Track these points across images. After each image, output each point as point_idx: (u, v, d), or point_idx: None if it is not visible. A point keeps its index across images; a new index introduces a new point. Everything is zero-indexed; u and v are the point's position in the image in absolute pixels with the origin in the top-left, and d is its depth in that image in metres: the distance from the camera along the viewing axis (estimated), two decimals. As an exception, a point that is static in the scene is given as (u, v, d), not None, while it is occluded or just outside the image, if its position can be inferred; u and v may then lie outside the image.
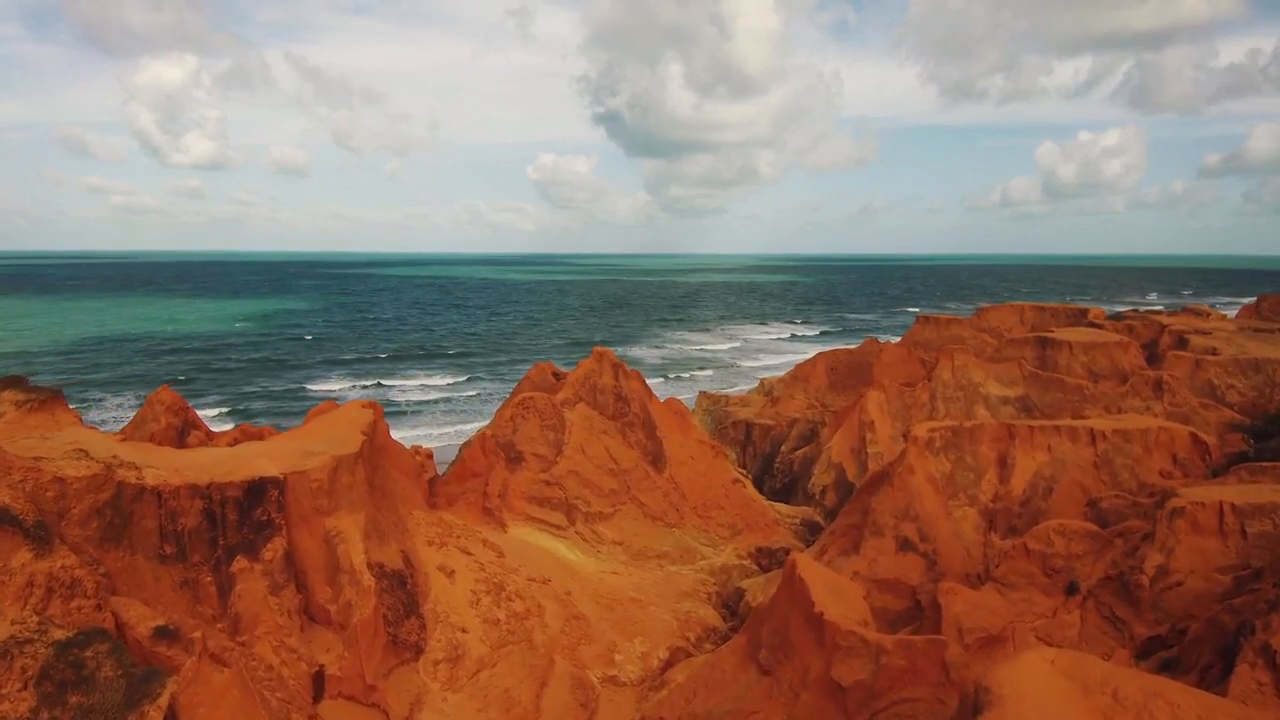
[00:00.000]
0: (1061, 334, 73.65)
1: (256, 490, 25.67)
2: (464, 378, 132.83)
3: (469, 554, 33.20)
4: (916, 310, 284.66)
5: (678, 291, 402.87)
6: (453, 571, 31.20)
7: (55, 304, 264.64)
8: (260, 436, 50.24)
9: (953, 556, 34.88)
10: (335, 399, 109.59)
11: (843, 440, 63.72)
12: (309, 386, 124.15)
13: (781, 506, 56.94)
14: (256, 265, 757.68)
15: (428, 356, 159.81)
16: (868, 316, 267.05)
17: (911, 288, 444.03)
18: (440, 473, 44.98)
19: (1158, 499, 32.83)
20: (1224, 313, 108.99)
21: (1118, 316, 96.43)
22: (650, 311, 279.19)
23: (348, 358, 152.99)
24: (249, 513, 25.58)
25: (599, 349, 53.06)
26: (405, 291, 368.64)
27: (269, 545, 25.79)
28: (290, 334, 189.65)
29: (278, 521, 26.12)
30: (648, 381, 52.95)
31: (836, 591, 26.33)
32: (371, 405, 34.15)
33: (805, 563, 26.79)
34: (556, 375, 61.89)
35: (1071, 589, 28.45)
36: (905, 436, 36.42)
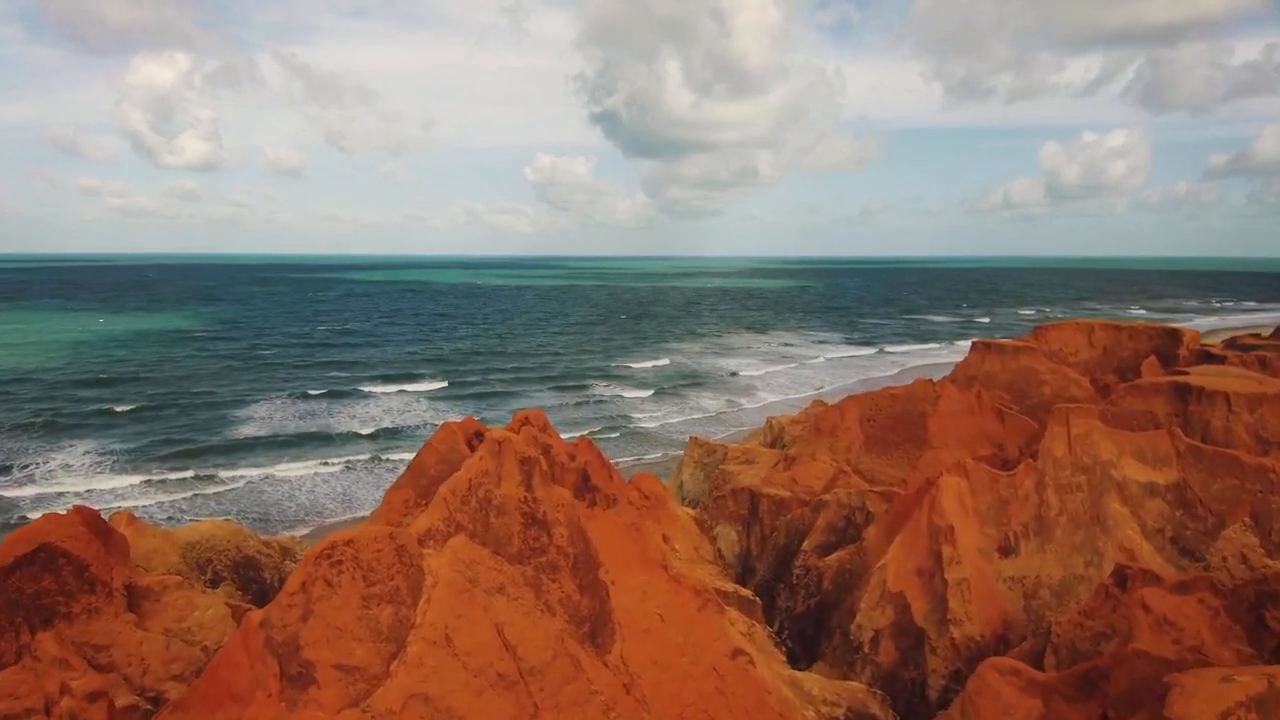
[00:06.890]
0: (1204, 378, 51.01)
1: None
2: (416, 422, 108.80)
3: None
4: (938, 319, 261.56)
5: (676, 298, 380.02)
6: None
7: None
8: None
9: None
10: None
11: (904, 553, 41.13)
12: (225, 432, 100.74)
13: (811, 682, 34.42)
14: (240, 268, 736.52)
15: (385, 380, 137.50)
16: (888, 326, 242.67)
17: (926, 292, 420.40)
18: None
19: None
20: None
21: (1234, 344, 73.81)
22: (645, 321, 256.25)
23: (284, 393, 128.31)
24: None
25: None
26: (385, 299, 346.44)
27: None
28: (239, 354, 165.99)
29: None
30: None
31: None
32: None
33: None
34: (480, 437, 39.63)
35: None
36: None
